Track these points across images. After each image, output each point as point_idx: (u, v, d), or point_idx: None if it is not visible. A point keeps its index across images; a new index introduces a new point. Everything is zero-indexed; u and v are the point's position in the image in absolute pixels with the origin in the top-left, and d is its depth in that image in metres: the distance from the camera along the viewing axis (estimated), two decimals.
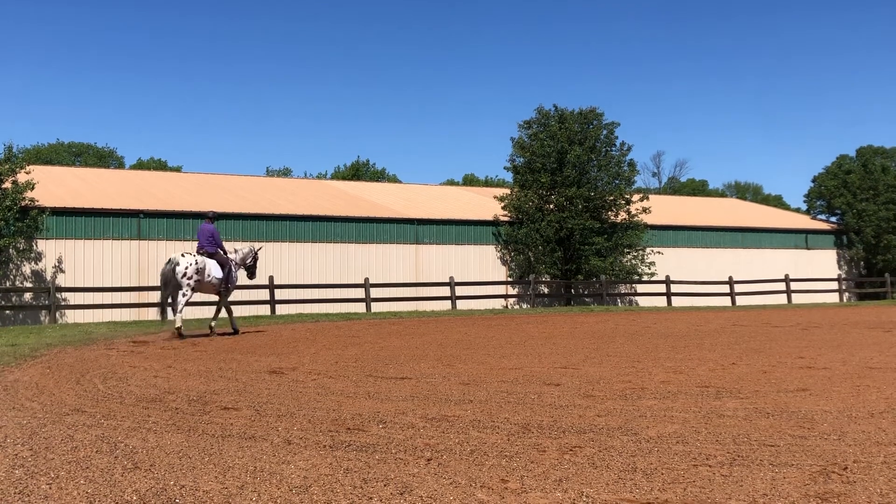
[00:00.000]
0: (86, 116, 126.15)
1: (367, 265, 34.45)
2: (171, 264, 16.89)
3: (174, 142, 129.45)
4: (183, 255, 17.10)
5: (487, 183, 77.17)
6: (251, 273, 18.70)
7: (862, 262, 48.60)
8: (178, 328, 16.57)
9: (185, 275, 16.76)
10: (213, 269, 17.33)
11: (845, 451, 5.75)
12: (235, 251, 18.34)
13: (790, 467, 5.32)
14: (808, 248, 46.29)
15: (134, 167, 73.97)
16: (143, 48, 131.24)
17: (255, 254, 18.63)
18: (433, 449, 5.95)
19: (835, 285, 41.91)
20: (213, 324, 17.93)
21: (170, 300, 17.17)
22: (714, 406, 7.67)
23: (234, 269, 17.89)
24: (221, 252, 17.73)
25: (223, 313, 18.51)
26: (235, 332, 18.05)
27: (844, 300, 40.98)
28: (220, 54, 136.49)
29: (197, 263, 16.98)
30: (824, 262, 46.64)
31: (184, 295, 16.86)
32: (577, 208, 37.27)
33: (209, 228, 17.64)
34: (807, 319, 22.00)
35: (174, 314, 16.90)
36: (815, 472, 5.20)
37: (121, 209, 30.75)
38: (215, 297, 19.30)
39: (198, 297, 20.79)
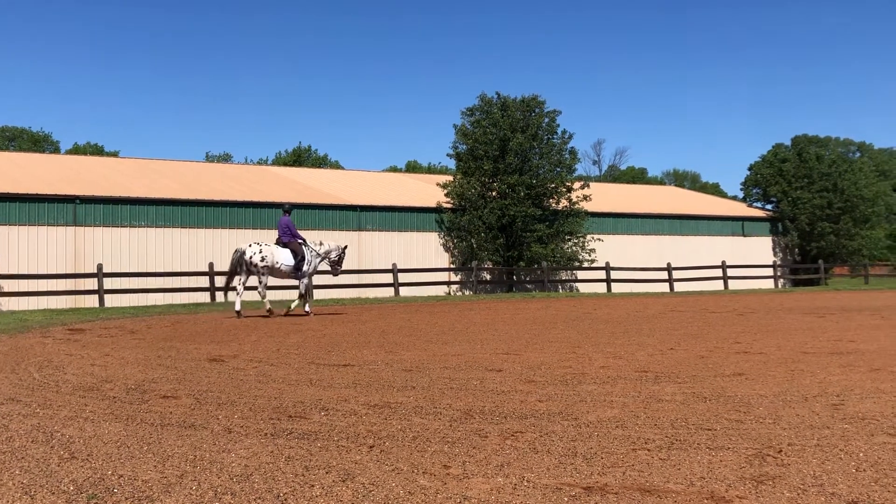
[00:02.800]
0: (20, 100, 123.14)
1: None
2: (238, 253, 18.64)
3: (111, 126, 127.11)
4: (250, 245, 18.80)
5: (430, 170, 77.15)
6: (335, 268, 20.18)
7: (796, 249, 49.68)
8: (238, 312, 18.26)
9: (251, 262, 18.46)
10: (283, 257, 18.76)
11: (780, 434, 5.87)
12: (320, 243, 19.80)
13: (727, 450, 5.42)
14: (744, 236, 47.15)
15: (70, 152, 72.41)
16: (78, 32, 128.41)
17: (342, 251, 20.13)
18: (375, 436, 5.95)
19: (770, 272, 42.79)
20: (306, 307, 19.23)
21: (233, 285, 19.05)
22: (653, 391, 7.78)
23: (310, 258, 19.16)
24: (296, 241, 19.10)
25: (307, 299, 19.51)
26: (307, 313, 19.07)
27: (779, 286, 41.86)
28: (158, 38, 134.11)
29: (262, 252, 18.54)
30: (760, 249, 47.56)
31: (260, 283, 18.62)
32: (519, 196, 37.45)
33: (285, 220, 19.27)
34: (743, 305, 22.41)
35: (238, 298, 18.53)
36: (750, 455, 5.30)
37: (56, 195, 30.11)
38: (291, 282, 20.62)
39: (272, 281, 21.02)
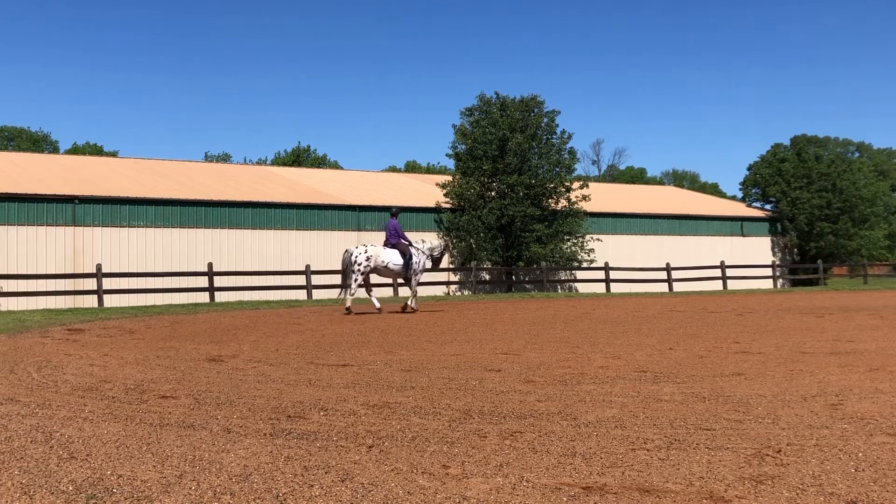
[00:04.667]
0: (19, 100, 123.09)
1: (309, 252, 34.24)
2: (347, 254, 19.97)
3: (110, 126, 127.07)
4: (357, 247, 20.15)
5: (429, 170, 77.16)
6: (437, 264, 21.69)
7: (795, 249, 49.70)
8: (348, 308, 19.31)
9: (355, 262, 19.66)
10: (390, 257, 20.04)
11: (779, 434, 5.87)
12: (423, 241, 21.20)
13: (726, 450, 5.42)
14: (743, 236, 47.16)
15: (69, 152, 72.42)
16: (78, 32, 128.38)
17: (444, 248, 21.59)
18: (375, 436, 5.95)
19: (769, 272, 42.80)
20: (409, 302, 20.47)
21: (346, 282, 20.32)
22: (651, 390, 7.77)
23: (417, 257, 20.41)
24: (404, 242, 20.37)
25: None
26: (414, 310, 20.40)
27: (778, 286, 41.87)
28: (158, 38, 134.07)
29: (367, 252, 19.79)
30: (759, 249, 47.58)
31: (355, 280, 19.71)
32: (519, 196, 37.46)
33: (393, 223, 20.64)
34: (742, 305, 22.41)
35: (349, 294, 19.74)
36: (749, 454, 5.30)
37: (55, 195, 30.11)
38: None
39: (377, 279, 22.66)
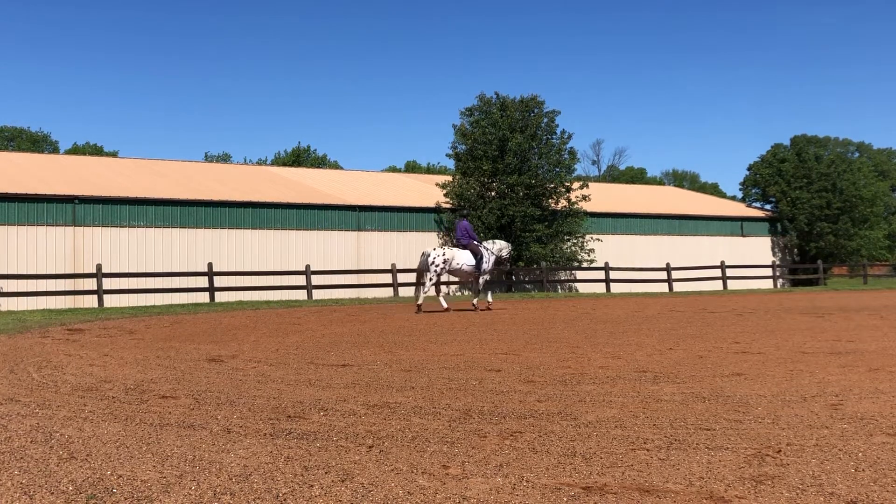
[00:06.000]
0: (19, 100, 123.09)
1: (309, 252, 34.24)
2: (425, 255, 20.66)
3: (110, 127, 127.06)
4: (434, 248, 20.88)
5: (429, 170, 77.15)
6: (503, 264, 22.79)
7: (795, 249, 49.69)
8: (419, 305, 20.30)
9: (433, 263, 20.45)
10: (464, 258, 20.82)
11: (779, 434, 5.87)
12: (493, 242, 21.80)
13: (726, 450, 5.42)
14: (743, 236, 47.16)
15: (69, 152, 72.42)
16: (77, 31, 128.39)
17: (510, 250, 22.33)
18: (375, 436, 5.95)
19: (769, 272, 42.80)
20: (476, 300, 21.51)
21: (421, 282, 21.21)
22: (651, 391, 7.78)
23: (487, 257, 21.15)
24: (475, 243, 21.09)
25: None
26: (488, 307, 21.52)
27: (778, 286, 41.88)
28: (158, 38, 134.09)
29: (444, 254, 20.56)
30: (759, 249, 47.57)
31: (430, 279, 20.54)
32: (519, 196, 37.46)
33: (464, 224, 21.48)
34: (742, 305, 22.42)
35: (421, 293, 20.65)
36: (749, 455, 5.30)
37: (55, 195, 30.10)
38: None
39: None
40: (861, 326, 14.88)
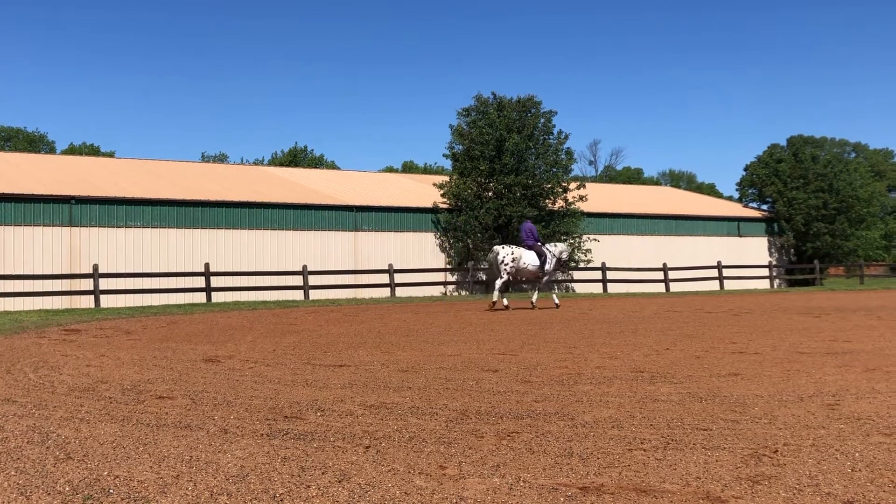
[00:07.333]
0: (16, 100, 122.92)
1: (306, 252, 34.23)
2: (494, 254, 21.36)
3: (107, 127, 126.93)
4: (503, 247, 21.48)
5: (426, 170, 77.18)
6: (565, 267, 23.79)
7: (792, 250, 49.74)
8: (493, 302, 21.05)
9: (503, 262, 21.08)
10: (529, 258, 21.47)
11: (776, 434, 5.88)
12: (555, 245, 22.72)
13: (722, 450, 5.42)
14: (740, 236, 47.20)
15: (65, 152, 72.33)
16: (73, 32, 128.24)
17: (570, 253, 22.87)
18: (372, 436, 5.94)
19: (766, 272, 42.82)
20: (534, 298, 22.39)
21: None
22: (648, 391, 7.78)
23: (550, 258, 21.88)
24: (539, 244, 21.86)
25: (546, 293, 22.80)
26: (557, 305, 22.38)
27: (775, 286, 41.89)
28: (155, 39, 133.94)
29: (513, 253, 21.19)
30: (756, 249, 47.62)
31: (501, 278, 21.16)
32: (516, 196, 37.46)
33: (529, 226, 22.32)
34: (738, 305, 22.43)
35: (496, 291, 21.21)
36: (746, 455, 5.31)
37: (52, 195, 30.07)
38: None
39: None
40: (858, 327, 14.89)
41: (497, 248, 21.54)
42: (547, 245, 22.28)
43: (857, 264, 47.62)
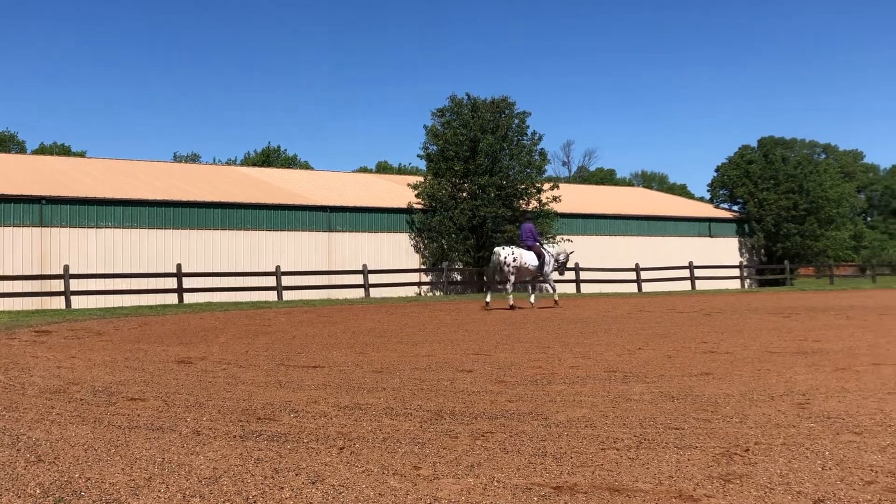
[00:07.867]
0: None
1: (279, 253, 34.09)
2: (496, 256, 21.71)
3: (78, 126, 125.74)
4: (503, 248, 21.88)
5: (401, 171, 77.08)
6: (562, 270, 23.44)
7: (762, 250, 50.15)
8: (512, 305, 21.28)
9: (506, 263, 21.51)
10: (529, 259, 21.79)
11: (747, 433, 5.92)
12: (553, 246, 23.32)
13: (694, 449, 5.46)
14: (711, 236, 47.55)
15: (36, 152, 71.57)
16: (42, 30, 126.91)
17: (568, 255, 23.42)
18: (345, 437, 5.93)
19: (737, 272, 43.18)
20: (556, 297, 23.13)
21: (495, 282, 22.75)
22: (621, 390, 7.82)
23: (549, 259, 22.24)
24: (538, 244, 22.14)
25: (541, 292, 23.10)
26: (557, 302, 22.87)
27: (746, 287, 42.24)
28: (126, 37, 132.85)
29: (514, 254, 21.62)
30: (727, 250, 47.99)
31: (507, 280, 21.78)
32: (490, 196, 37.51)
33: (529, 226, 22.69)
34: (710, 305, 22.59)
35: (504, 292, 21.76)
36: (718, 453, 5.35)
37: (22, 195, 29.76)
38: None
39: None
40: (827, 326, 15.04)
41: (498, 249, 21.89)
42: (546, 246, 22.61)
43: (827, 264, 48.14)
